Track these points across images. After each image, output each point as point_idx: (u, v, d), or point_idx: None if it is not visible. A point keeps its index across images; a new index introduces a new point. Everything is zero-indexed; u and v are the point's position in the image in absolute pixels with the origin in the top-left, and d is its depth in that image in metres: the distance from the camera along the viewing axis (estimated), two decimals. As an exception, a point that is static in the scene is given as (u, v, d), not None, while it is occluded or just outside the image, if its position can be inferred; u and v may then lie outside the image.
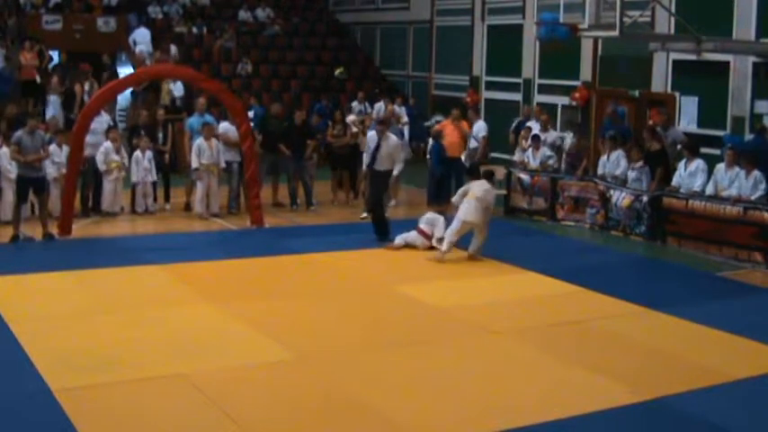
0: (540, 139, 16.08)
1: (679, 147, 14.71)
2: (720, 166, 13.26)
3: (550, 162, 15.82)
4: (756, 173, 12.77)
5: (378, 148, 13.14)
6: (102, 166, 14.15)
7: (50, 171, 13.32)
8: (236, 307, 9.56)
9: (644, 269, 12.43)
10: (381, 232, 13.11)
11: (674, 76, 16.85)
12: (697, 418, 7.04)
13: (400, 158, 13.58)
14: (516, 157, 16.87)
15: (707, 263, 12.41)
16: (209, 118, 15.64)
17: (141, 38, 22.02)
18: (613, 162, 14.63)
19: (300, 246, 12.55)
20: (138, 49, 21.66)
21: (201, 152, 14.39)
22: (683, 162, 13.89)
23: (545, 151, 15.88)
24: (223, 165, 14.64)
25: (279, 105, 17.12)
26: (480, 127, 16.59)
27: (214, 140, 14.52)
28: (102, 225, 14.00)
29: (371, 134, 13.59)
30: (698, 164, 13.62)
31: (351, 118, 17.85)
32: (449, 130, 16.37)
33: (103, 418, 6.72)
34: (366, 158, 13.58)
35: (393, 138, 13.45)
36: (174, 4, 25.04)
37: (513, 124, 18.18)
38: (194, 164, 14.45)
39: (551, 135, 16.70)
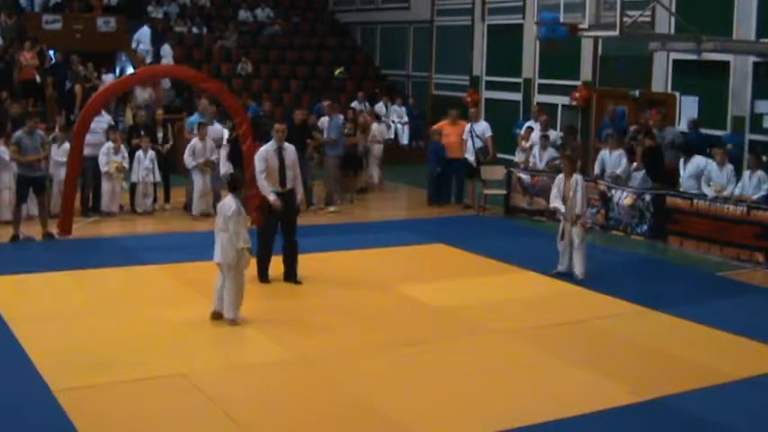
0: (548, 139, 16.06)
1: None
2: (713, 165, 13.28)
3: (557, 162, 15.78)
4: (760, 173, 12.78)
5: (282, 160, 10.50)
6: (104, 168, 14.18)
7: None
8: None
9: (644, 269, 12.42)
10: (261, 271, 10.67)
11: (674, 76, 16.85)
12: (697, 418, 7.04)
13: (303, 179, 11.00)
14: (517, 157, 16.89)
15: (708, 263, 12.41)
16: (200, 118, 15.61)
17: (144, 37, 22.08)
18: (615, 161, 14.65)
19: (300, 245, 12.50)
20: (139, 48, 21.71)
21: (196, 152, 14.45)
22: (681, 162, 13.91)
23: (552, 152, 15.84)
24: (214, 157, 14.64)
25: (269, 104, 17.10)
26: (485, 127, 16.59)
27: (208, 140, 14.63)
28: (102, 225, 14.00)
29: (266, 148, 10.62)
30: (698, 163, 13.65)
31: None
32: (448, 130, 16.40)
33: (103, 418, 6.72)
34: (261, 179, 10.60)
35: (292, 149, 10.82)
36: (172, 3, 25.03)
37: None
38: (189, 164, 14.52)
39: (552, 135, 16.70)
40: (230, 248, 8.89)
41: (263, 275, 10.67)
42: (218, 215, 9.10)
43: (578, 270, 11.11)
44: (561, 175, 11.41)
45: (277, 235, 10.77)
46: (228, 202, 9.02)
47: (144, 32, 22.22)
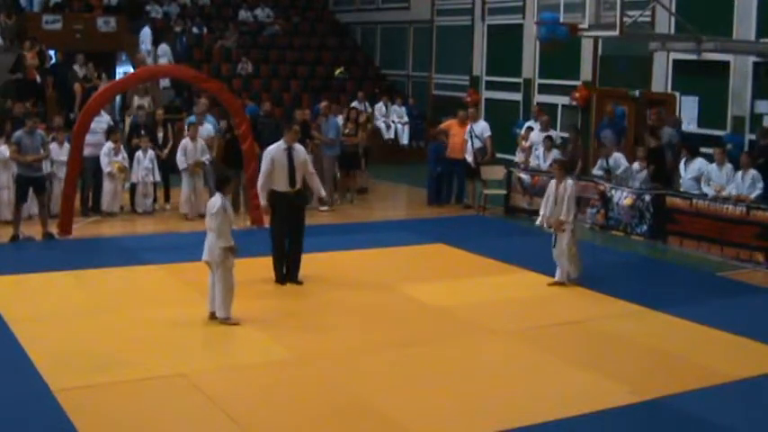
0: (552, 140, 16.06)
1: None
2: (713, 165, 13.29)
3: None
4: (753, 171, 12.76)
5: (291, 160, 10.38)
6: (106, 168, 14.19)
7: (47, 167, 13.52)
8: (235, 307, 9.53)
9: (644, 269, 12.42)
10: (281, 275, 10.65)
11: (674, 76, 16.84)
12: (697, 418, 7.04)
13: (315, 179, 10.87)
14: (517, 157, 16.90)
15: (708, 263, 12.41)
16: (209, 118, 15.73)
17: (145, 37, 22.16)
18: (614, 164, 14.67)
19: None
20: (141, 48, 21.79)
21: (187, 152, 14.46)
22: (682, 162, 13.92)
23: (556, 153, 15.82)
24: (206, 158, 14.67)
25: (269, 104, 17.04)
26: (484, 127, 16.56)
27: (199, 140, 14.64)
28: (102, 225, 14.01)
29: (274, 148, 10.50)
30: (699, 164, 13.66)
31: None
32: (455, 130, 16.38)
33: (103, 418, 6.72)
34: (262, 179, 10.54)
35: (301, 149, 10.73)
36: (173, 3, 25.04)
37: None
38: (181, 164, 14.54)
39: (552, 135, 16.71)
40: (216, 247, 8.90)
41: (278, 277, 10.65)
42: (207, 214, 9.12)
43: (563, 275, 10.72)
44: (554, 181, 11.01)
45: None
46: (214, 200, 9.03)
47: (145, 33, 22.32)
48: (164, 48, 21.77)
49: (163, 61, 21.19)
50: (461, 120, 16.40)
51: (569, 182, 10.82)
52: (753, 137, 15.12)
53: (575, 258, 10.85)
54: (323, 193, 10.99)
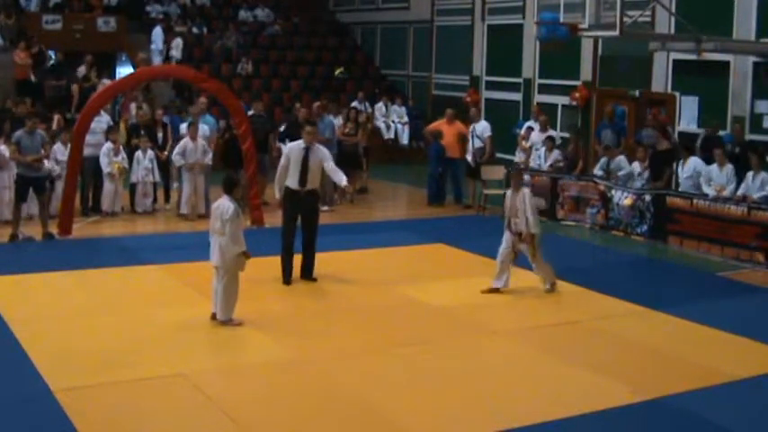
0: (554, 140, 16.07)
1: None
2: (713, 166, 13.29)
3: (561, 164, 15.80)
4: (764, 174, 12.75)
5: (306, 160, 10.47)
6: (106, 169, 14.19)
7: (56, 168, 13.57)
8: (236, 307, 9.55)
9: (644, 269, 12.43)
10: (288, 276, 10.72)
11: (674, 76, 16.84)
12: (697, 418, 7.04)
13: (334, 168, 10.80)
14: (517, 157, 16.90)
15: (708, 263, 12.41)
16: (209, 119, 15.71)
17: (156, 37, 22.26)
18: (616, 166, 14.68)
19: (301, 246, 12.51)
20: (151, 48, 21.91)
21: (187, 152, 14.44)
22: (680, 163, 13.94)
23: (557, 154, 15.81)
24: (208, 161, 14.63)
25: (260, 103, 16.97)
26: (484, 127, 16.57)
27: (199, 140, 14.60)
28: (102, 225, 14.00)
29: (293, 145, 10.77)
30: (694, 163, 13.67)
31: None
32: (445, 129, 16.40)
33: (103, 418, 6.72)
34: (278, 172, 10.71)
35: (320, 151, 10.68)
36: (173, 3, 25.06)
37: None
38: (178, 162, 14.52)
39: (553, 135, 16.71)
40: (228, 251, 8.85)
41: (285, 276, 10.70)
42: (214, 217, 8.97)
43: (547, 284, 10.52)
44: (509, 191, 10.56)
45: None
46: (225, 204, 8.86)
47: (156, 32, 22.43)
48: (177, 41, 22.09)
49: (173, 54, 21.69)
50: (449, 118, 16.44)
51: (526, 191, 10.44)
52: (753, 137, 15.11)
53: (545, 271, 10.51)
54: (344, 182, 10.92)
